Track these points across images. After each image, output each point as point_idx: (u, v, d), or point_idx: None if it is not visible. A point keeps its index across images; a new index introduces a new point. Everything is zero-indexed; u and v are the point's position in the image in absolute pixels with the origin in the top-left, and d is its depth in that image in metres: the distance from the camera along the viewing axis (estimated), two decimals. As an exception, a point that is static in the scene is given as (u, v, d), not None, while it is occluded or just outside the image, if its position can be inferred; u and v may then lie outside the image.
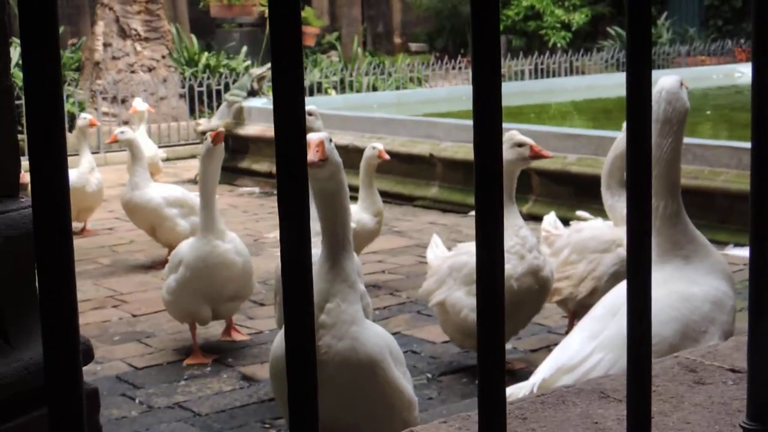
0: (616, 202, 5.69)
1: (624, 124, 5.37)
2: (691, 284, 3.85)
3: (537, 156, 5.45)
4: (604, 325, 3.92)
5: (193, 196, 8.26)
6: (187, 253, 6.08)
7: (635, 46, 1.22)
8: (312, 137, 3.82)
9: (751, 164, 1.49)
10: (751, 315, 1.54)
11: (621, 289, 4.02)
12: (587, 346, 3.84)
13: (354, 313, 3.50)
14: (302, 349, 1.18)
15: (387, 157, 7.20)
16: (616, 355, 3.68)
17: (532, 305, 5.38)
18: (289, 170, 1.11)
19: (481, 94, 1.16)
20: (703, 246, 3.98)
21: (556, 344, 6.01)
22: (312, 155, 3.61)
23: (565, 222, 6.26)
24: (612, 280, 5.68)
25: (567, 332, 6.00)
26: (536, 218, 6.51)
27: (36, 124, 1.05)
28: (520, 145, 5.47)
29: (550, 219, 6.22)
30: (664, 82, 4.12)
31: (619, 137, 5.70)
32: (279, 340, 3.61)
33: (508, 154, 5.45)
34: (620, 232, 5.70)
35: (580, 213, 6.41)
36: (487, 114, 1.18)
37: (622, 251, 5.65)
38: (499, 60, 1.16)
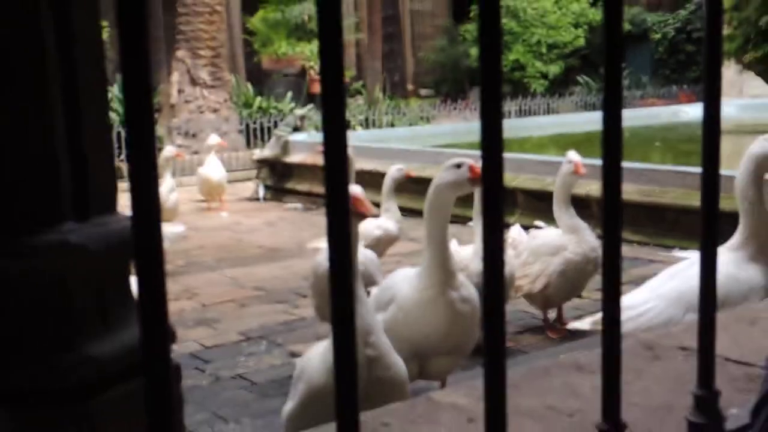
0: (562, 214, 5.71)
1: (568, 153, 5.38)
2: (738, 269, 4.01)
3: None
4: (663, 283, 4.20)
5: None
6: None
7: (609, 91, 1.22)
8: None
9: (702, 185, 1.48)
10: (701, 304, 1.53)
11: (678, 265, 4.26)
12: (646, 295, 4.09)
13: (386, 340, 3.15)
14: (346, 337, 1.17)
15: (413, 174, 7.36)
16: (666, 304, 3.96)
17: None
18: (335, 186, 1.11)
19: (486, 128, 1.15)
20: None
21: (538, 327, 6.06)
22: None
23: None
24: (559, 278, 5.70)
25: (543, 319, 6.03)
26: (523, 227, 6.51)
27: (135, 154, 1.05)
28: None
29: (516, 228, 6.26)
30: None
31: (562, 166, 5.69)
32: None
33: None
34: (566, 239, 5.70)
35: (537, 222, 6.41)
36: (491, 144, 1.18)
37: (567, 254, 5.66)
38: (500, 100, 1.16)
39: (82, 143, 1.69)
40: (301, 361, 3.32)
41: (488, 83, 1.14)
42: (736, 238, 4.09)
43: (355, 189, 3.33)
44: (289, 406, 3.22)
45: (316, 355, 3.13)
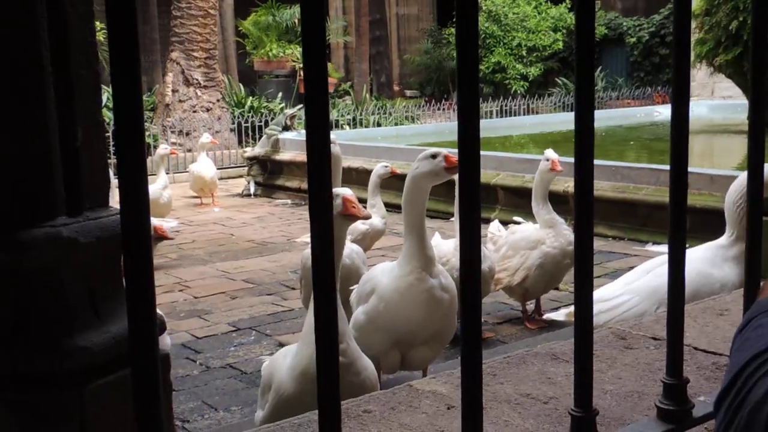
0: (540, 209, 5.71)
1: (546, 151, 5.33)
2: (712, 266, 3.98)
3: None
4: (637, 277, 4.16)
5: None
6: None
7: (582, 93, 1.22)
8: None
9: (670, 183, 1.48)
10: (670, 296, 1.53)
11: (654, 260, 4.23)
12: (620, 289, 4.08)
13: (356, 346, 3.01)
14: (328, 321, 1.17)
15: (398, 171, 7.27)
16: (640, 299, 3.97)
17: None
18: (318, 181, 1.11)
19: (465, 128, 1.15)
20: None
21: (517, 318, 6.07)
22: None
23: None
24: (537, 270, 5.69)
25: (522, 311, 6.02)
26: (502, 223, 6.51)
27: (125, 152, 1.04)
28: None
29: (495, 224, 6.26)
30: None
31: (541, 164, 5.67)
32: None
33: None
34: (543, 234, 5.70)
35: (516, 218, 6.39)
36: (469, 143, 1.17)
37: (545, 248, 5.66)
38: (477, 102, 1.15)
39: (75, 141, 1.69)
40: (266, 369, 3.17)
41: (465, 85, 1.14)
42: (724, 238, 4.11)
43: (345, 191, 3.28)
44: (259, 414, 3.08)
45: (282, 363, 2.99)
